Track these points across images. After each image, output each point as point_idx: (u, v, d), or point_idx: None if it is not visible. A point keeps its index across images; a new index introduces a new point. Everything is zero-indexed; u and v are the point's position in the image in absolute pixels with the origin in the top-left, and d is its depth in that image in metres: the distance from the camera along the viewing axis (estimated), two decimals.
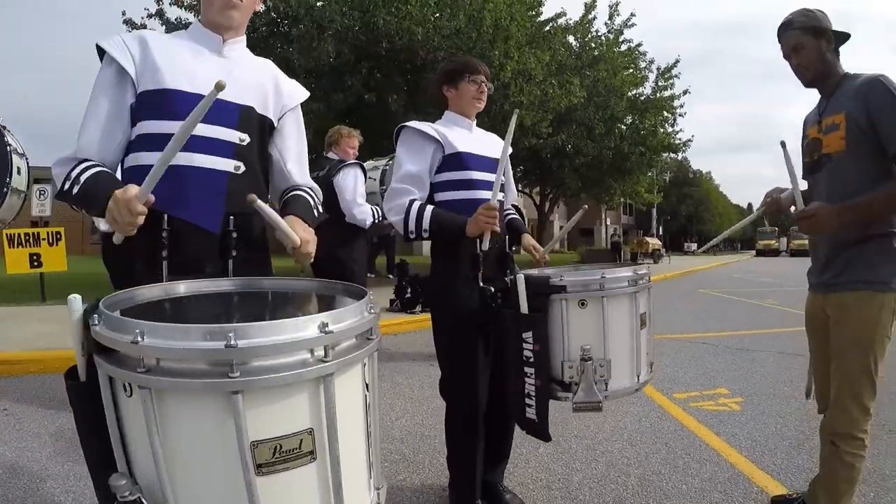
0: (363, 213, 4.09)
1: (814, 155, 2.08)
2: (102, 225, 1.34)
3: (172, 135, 1.25)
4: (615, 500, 2.50)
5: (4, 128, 3.32)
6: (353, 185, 4.07)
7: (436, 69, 11.52)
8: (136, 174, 1.38)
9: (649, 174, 19.68)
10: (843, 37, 2.04)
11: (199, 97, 1.26)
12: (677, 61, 17.70)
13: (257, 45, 11.97)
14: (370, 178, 5.29)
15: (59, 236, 7.95)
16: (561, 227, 1.90)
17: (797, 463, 2.91)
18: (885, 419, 3.42)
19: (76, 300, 0.90)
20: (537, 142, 13.75)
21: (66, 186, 1.36)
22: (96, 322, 0.85)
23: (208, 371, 0.76)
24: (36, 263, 7.81)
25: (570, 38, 15.44)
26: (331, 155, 4.28)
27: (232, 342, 0.74)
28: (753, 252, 54.18)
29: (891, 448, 3.02)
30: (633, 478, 2.72)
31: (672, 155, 19.99)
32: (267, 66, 1.70)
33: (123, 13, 11.74)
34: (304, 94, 1.77)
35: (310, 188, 1.72)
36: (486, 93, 2.34)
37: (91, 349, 0.87)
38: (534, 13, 13.23)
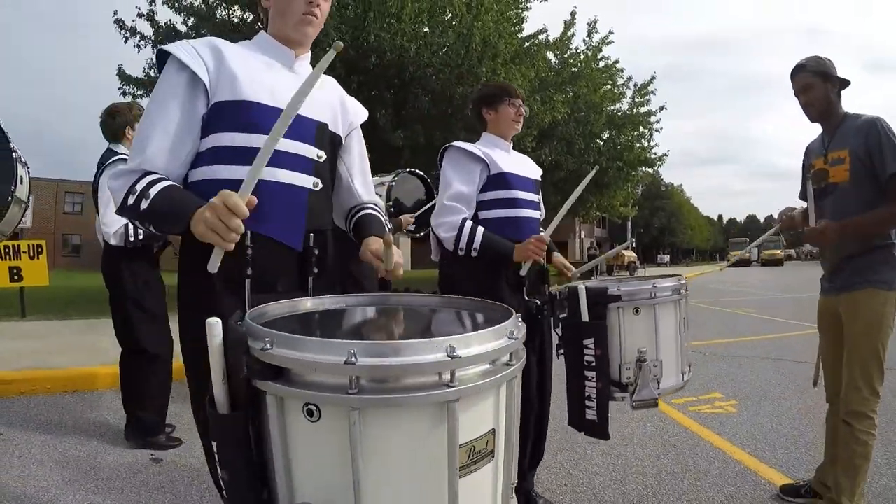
0: None
1: (821, 183, 2.45)
2: (212, 266, 1.16)
3: (253, 148, 1.25)
4: (638, 499, 2.70)
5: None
6: None
7: (423, 84, 11.99)
8: (211, 189, 1.23)
9: (626, 188, 20.12)
10: (845, 83, 2.42)
11: (280, 111, 1.23)
12: (653, 78, 18.23)
13: None
14: (377, 193, 5.43)
15: (40, 249, 7.61)
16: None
17: (796, 456, 3.19)
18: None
19: (217, 324, 0.84)
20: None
21: (131, 201, 1.27)
22: (267, 346, 0.80)
23: (426, 384, 0.78)
24: (16, 277, 7.50)
25: (550, 55, 15.84)
26: None
27: (455, 353, 0.77)
28: (726, 263, 55.62)
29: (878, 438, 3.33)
30: (650, 478, 2.93)
31: (647, 169, 20.42)
32: (332, 84, 1.68)
33: (115, 13, 11.82)
34: (366, 112, 1.77)
35: (375, 204, 1.74)
36: (524, 115, 2.53)
37: (252, 374, 0.82)
38: (517, 29, 13.62)
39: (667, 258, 60.48)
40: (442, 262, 2.51)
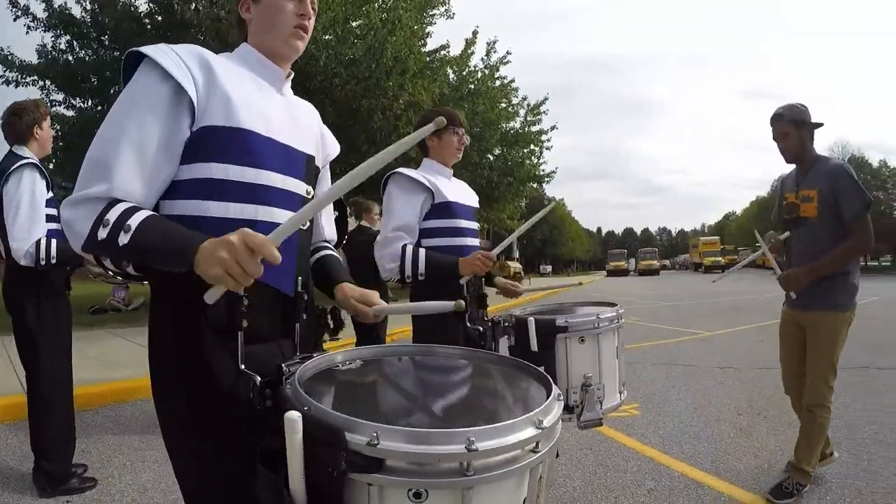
0: None
1: (792, 214, 3.02)
2: (210, 297, 1.05)
3: (248, 183, 1.19)
4: (570, 500, 3.00)
5: None
6: None
7: (329, 94, 11.95)
8: (197, 228, 1.11)
9: (514, 202, 20.92)
10: (819, 125, 2.97)
11: (273, 143, 1.24)
12: (546, 98, 19.23)
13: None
14: None
15: None
16: None
17: (701, 450, 3.68)
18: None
19: (298, 420, 0.83)
20: (416, 168, 14.15)
21: (104, 235, 1.05)
22: (375, 440, 0.80)
23: (518, 455, 0.86)
24: None
25: (449, 71, 16.30)
26: None
27: (545, 424, 0.88)
28: (605, 272, 59.26)
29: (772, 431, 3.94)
30: (576, 480, 3.24)
31: (535, 185, 21.40)
32: (312, 111, 1.55)
33: None
34: (338, 146, 1.67)
35: (330, 241, 1.69)
36: (465, 145, 2.59)
37: (352, 468, 0.82)
38: (422, 44, 13.86)
39: (549, 268, 63.91)
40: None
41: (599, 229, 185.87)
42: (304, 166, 1.35)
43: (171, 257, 1.04)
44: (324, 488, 0.84)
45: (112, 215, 1.06)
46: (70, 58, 11.48)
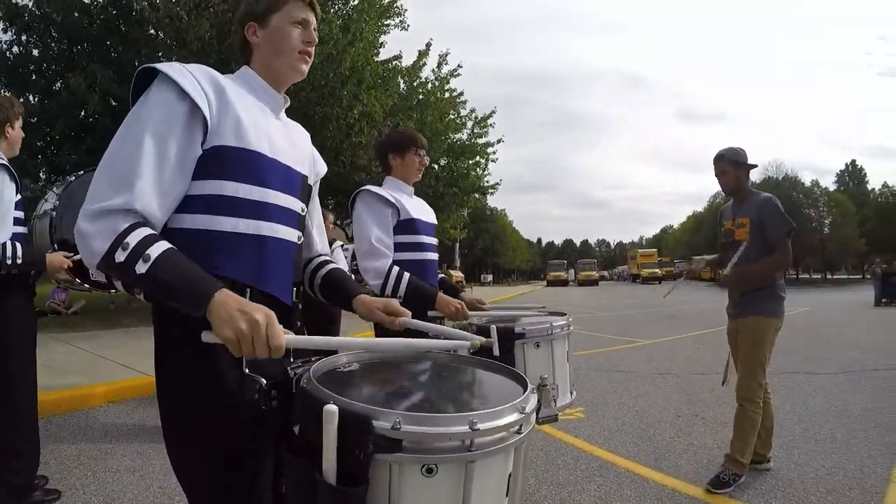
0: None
1: (729, 238, 3.56)
2: (207, 338, 1.08)
3: (257, 202, 1.27)
4: (527, 494, 3.16)
5: None
6: None
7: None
8: (206, 241, 1.22)
9: (460, 213, 21.11)
10: (753, 166, 3.55)
11: (277, 164, 1.34)
12: (494, 111, 19.62)
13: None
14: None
15: None
16: None
17: (644, 448, 3.94)
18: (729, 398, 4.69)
19: (335, 413, 0.92)
20: (365, 177, 14.36)
21: (122, 258, 1.06)
22: (398, 425, 0.92)
23: (506, 436, 1.02)
24: None
25: (400, 81, 16.41)
26: None
27: (526, 410, 1.04)
28: (545, 282, 60.34)
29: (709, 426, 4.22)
30: (530, 478, 3.40)
31: (478, 196, 21.62)
32: (305, 133, 1.64)
33: None
34: (325, 165, 1.76)
35: (326, 254, 1.74)
36: (425, 165, 2.74)
37: (379, 449, 0.93)
38: (375, 52, 13.89)
39: (490, 277, 64.71)
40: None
41: (539, 240, 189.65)
42: (300, 186, 1.45)
43: (184, 298, 1.07)
44: (349, 468, 0.94)
45: (132, 239, 1.08)
46: (16, 50, 10.89)
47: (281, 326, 1.07)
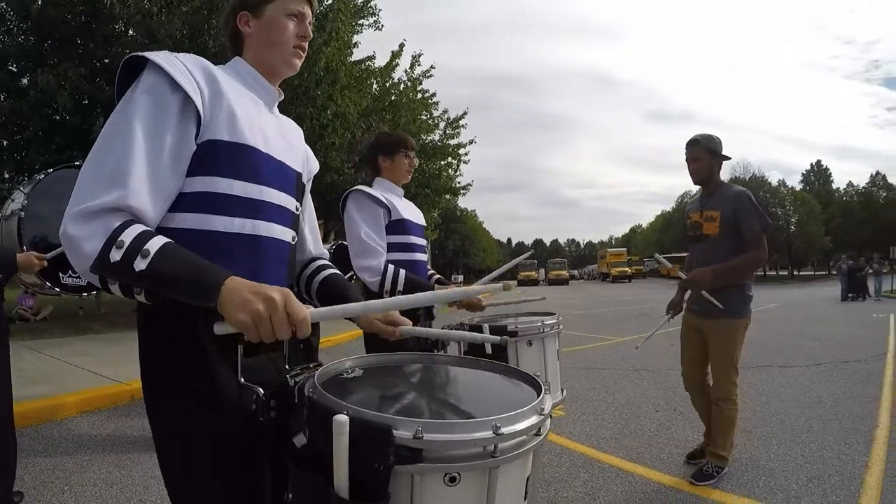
0: None
1: (696, 232, 3.40)
2: (221, 328, 1.04)
3: (251, 199, 1.20)
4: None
5: None
6: None
7: None
8: (199, 242, 1.13)
9: (432, 213, 21.10)
10: (727, 158, 3.37)
11: (271, 160, 1.26)
12: (466, 112, 19.58)
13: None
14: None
15: None
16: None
17: (626, 443, 4.00)
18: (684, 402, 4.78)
19: (345, 423, 0.87)
20: (337, 178, 14.27)
21: (118, 257, 0.98)
22: (420, 433, 0.87)
23: (526, 439, 0.99)
24: None
25: (373, 82, 16.32)
26: None
27: (545, 411, 1.04)
28: (515, 282, 60.60)
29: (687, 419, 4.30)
30: None
31: (450, 196, 21.57)
32: (298, 129, 1.57)
33: None
34: (318, 163, 1.69)
35: (322, 256, 1.68)
36: (414, 167, 2.74)
37: (400, 460, 0.88)
38: (349, 52, 13.81)
39: (461, 278, 64.83)
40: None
41: (510, 240, 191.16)
42: (294, 183, 1.38)
43: (193, 290, 1.00)
44: (367, 482, 0.89)
45: (127, 237, 0.99)
46: None
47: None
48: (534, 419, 1.02)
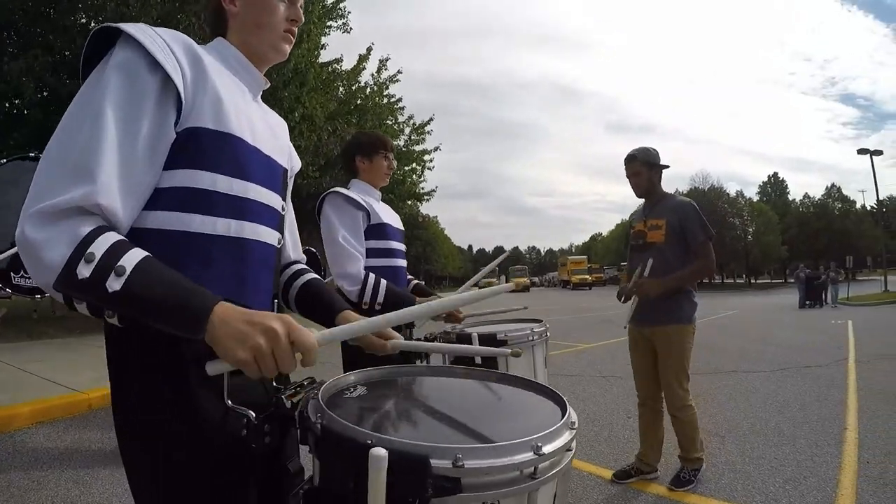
0: None
1: (639, 241, 3.37)
2: (213, 369, 0.92)
3: (236, 197, 1.06)
4: None
5: None
6: None
7: None
8: (176, 244, 0.99)
9: None
10: (665, 167, 3.39)
11: (259, 153, 1.13)
12: (432, 119, 19.55)
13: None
14: None
15: None
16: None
17: (601, 450, 4.05)
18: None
19: (384, 457, 0.75)
20: (301, 182, 14.05)
21: (87, 273, 0.82)
22: (459, 462, 0.79)
23: (560, 458, 0.94)
24: None
25: (339, 85, 16.19)
26: None
27: (574, 426, 0.99)
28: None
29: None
30: None
31: (412, 203, 21.52)
32: (284, 123, 1.44)
33: None
34: (300, 161, 1.55)
35: (301, 260, 1.53)
36: (393, 170, 2.63)
37: (440, 492, 0.79)
38: (317, 54, 13.65)
39: (422, 284, 64.72)
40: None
41: (470, 247, 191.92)
42: (281, 179, 1.25)
43: (177, 319, 0.85)
44: None
45: (98, 248, 0.83)
46: None
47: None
48: (567, 435, 0.96)
